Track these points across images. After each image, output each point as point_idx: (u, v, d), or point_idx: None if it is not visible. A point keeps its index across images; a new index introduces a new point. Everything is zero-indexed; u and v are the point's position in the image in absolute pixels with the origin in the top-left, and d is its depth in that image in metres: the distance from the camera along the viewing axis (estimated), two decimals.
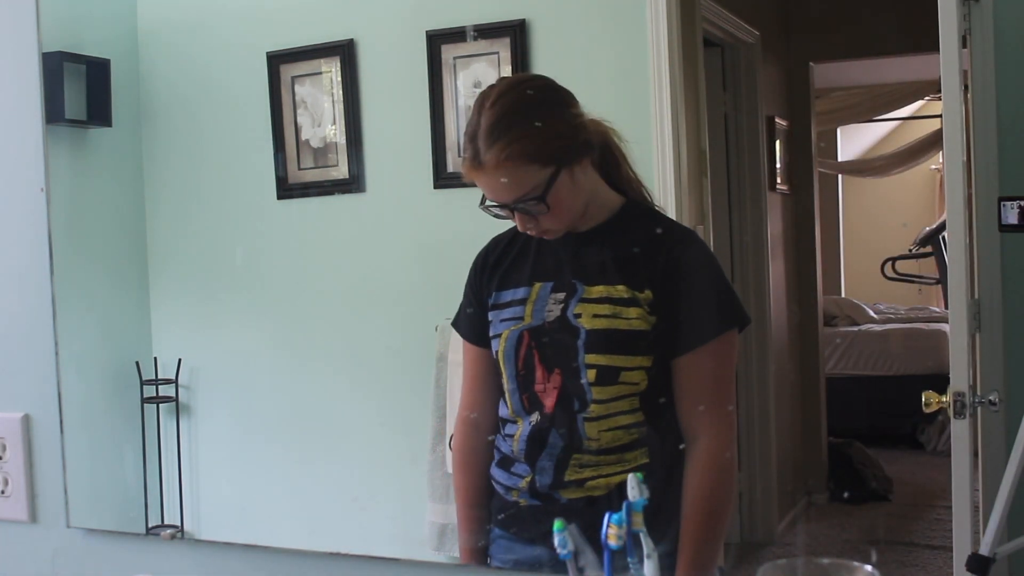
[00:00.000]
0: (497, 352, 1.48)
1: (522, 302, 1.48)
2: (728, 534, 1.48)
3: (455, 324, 1.58)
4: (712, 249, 1.58)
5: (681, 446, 1.41)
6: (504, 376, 1.48)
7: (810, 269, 1.82)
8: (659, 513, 1.19)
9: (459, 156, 1.65)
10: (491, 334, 1.50)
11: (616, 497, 1.38)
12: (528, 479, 1.47)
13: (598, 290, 1.43)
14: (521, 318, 1.47)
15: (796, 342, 1.82)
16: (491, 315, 1.50)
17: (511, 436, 1.49)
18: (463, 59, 1.65)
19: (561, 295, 1.45)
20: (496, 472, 1.52)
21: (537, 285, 1.48)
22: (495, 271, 1.52)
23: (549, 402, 1.45)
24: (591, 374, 1.42)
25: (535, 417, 1.46)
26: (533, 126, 1.41)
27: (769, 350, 1.72)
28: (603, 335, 1.42)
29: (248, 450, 1.91)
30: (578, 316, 1.43)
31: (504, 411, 1.50)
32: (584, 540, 1.19)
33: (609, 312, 1.42)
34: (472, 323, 1.54)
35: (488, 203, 1.44)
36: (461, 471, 1.58)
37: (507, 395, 1.48)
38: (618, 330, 1.41)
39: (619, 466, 1.42)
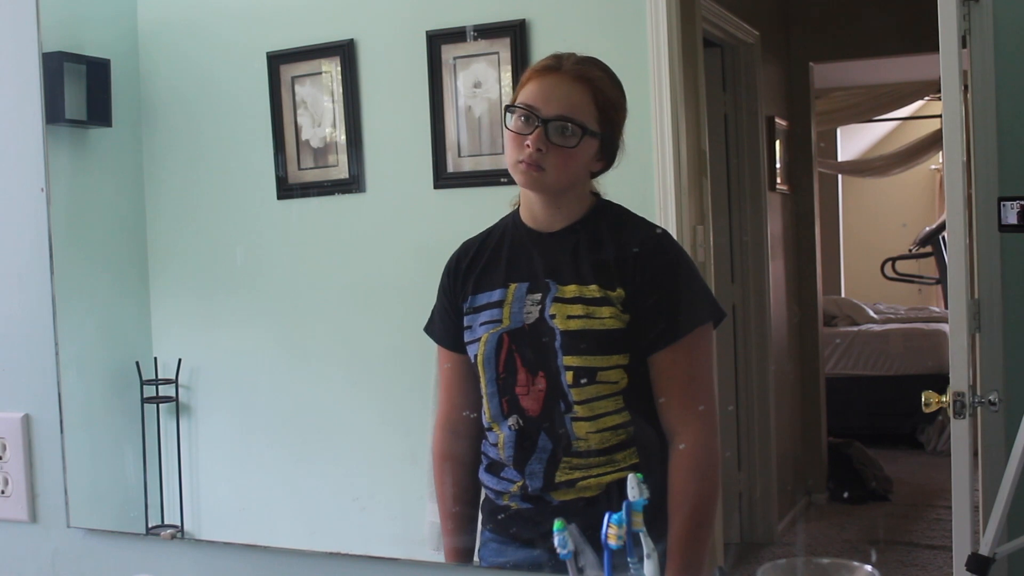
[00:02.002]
0: (476, 356, 1.48)
1: (499, 304, 1.47)
2: (728, 534, 1.48)
3: (428, 330, 1.58)
4: (712, 248, 1.58)
5: (681, 446, 1.41)
6: (483, 380, 1.48)
7: (810, 269, 1.82)
8: (656, 512, 1.19)
9: (459, 156, 1.66)
10: (470, 338, 1.49)
11: (608, 497, 1.39)
12: (519, 484, 1.47)
13: (571, 289, 1.43)
14: (499, 320, 1.47)
15: (796, 342, 1.82)
16: (468, 319, 1.50)
17: (495, 444, 1.48)
18: (463, 59, 1.64)
19: (537, 295, 1.45)
20: (485, 477, 1.52)
21: (512, 286, 1.47)
22: (469, 275, 1.51)
23: (533, 405, 1.44)
24: (569, 375, 1.41)
25: (513, 421, 1.46)
26: (615, 85, 1.46)
27: (769, 350, 1.72)
28: (577, 336, 1.41)
29: (248, 450, 1.91)
30: (553, 317, 1.43)
31: (483, 418, 1.49)
32: (584, 540, 1.19)
33: (583, 312, 1.41)
34: (447, 328, 1.53)
35: (518, 106, 1.43)
36: (441, 478, 1.58)
37: (485, 400, 1.48)
38: (592, 330, 1.41)
39: (609, 467, 1.42)
